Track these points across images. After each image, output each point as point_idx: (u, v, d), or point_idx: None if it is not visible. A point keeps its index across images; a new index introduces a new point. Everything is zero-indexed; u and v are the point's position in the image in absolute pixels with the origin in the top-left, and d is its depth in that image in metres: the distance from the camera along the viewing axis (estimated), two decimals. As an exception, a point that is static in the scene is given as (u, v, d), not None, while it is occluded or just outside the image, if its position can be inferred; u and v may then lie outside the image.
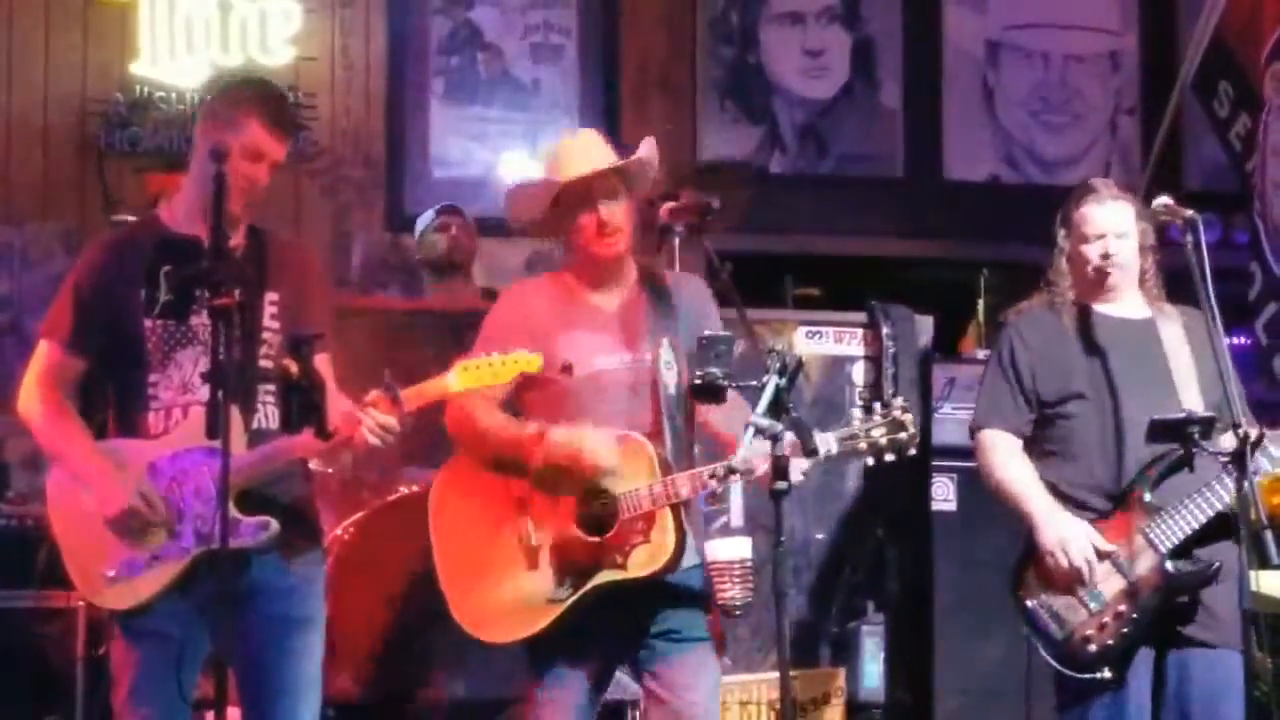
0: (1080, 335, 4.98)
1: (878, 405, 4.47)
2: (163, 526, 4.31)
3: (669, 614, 4.59)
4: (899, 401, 4.48)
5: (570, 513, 4.51)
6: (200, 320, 4.34)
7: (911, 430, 4.45)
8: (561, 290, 4.72)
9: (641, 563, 4.47)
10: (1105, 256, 4.93)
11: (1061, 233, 5.04)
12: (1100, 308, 5.00)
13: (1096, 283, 4.98)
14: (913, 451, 4.47)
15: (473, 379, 4.26)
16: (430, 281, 7.39)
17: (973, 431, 5.10)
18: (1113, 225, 4.96)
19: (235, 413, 4.21)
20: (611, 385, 4.60)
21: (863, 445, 4.43)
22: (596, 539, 4.49)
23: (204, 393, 4.24)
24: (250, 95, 4.50)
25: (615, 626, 4.56)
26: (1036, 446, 4.99)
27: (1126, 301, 5.03)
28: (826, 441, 4.40)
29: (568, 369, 4.56)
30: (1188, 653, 4.79)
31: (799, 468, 4.34)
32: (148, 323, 4.39)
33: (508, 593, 4.53)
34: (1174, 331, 4.94)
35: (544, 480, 4.49)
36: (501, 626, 4.55)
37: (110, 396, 4.51)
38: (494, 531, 4.56)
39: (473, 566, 4.56)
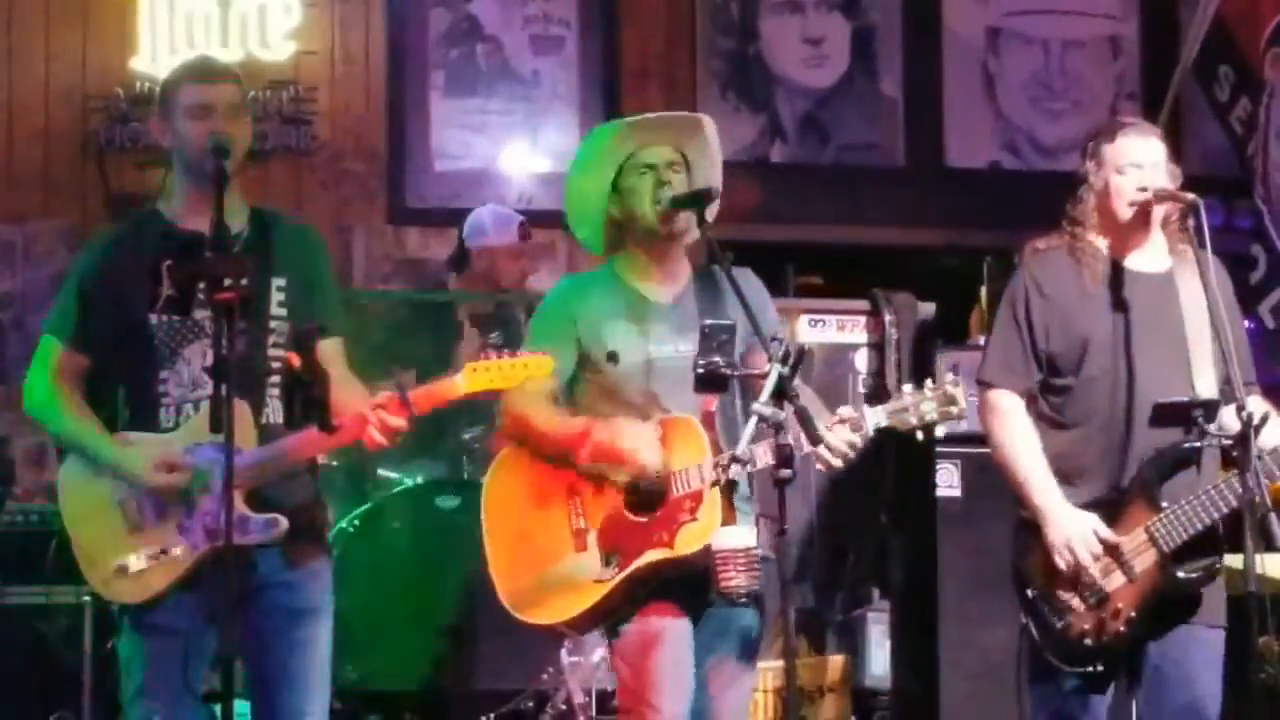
0: (1100, 292, 4.82)
1: (929, 381, 4.48)
2: (189, 500, 4.31)
3: (720, 602, 4.56)
4: (950, 376, 4.51)
5: (618, 493, 4.53)
6: (206, 314, 4.34)
7: (962, 404, 4.44)
8: (612, 282, 4.74)
9: (688, 541, 4.47)
10: (1143, 189, 4.75)
11: (1090, 166, 4.86)
12: (1125, 259, 4.84)
13: (1130, 220, 4.80)
14: (963, 425, 4.50)
15: (482, 381, 4.28)
16: (467, 282, 7.39)
17: (980, 383, 4.93)
18: (1149, 157, 4.80)
19: (245, 408, 4.23)
20: (665, 374, 4.61)
21: (912, 419, 4.43)
22: (644, 519, 4.50)
23: (212, 387, 4.27)
24: (176, 73, 4.55)
25: (672, 602, 4.55)
26: (1038, 409, 4.86)
27: (1150, 248, 4.86)
28: (875, 415, 4.44)
29: (613, 357, 4.61)
30: (1168, 634, 4.76)
31: (842, 436, 4.36)
32: (154, 318, 4.39)
33: (555, 575, 4.54)
34: (1193, 286, 4.76)
35: (591, 475, 4.54)
36: (546, 608, 4.56)
37: (121, 393, 4.51)
38: (545, 517, 4.58)
39: (522, 553, 4.58)
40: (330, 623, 4.53)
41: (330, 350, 4.44)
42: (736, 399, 4.65)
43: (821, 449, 4.34)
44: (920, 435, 4.47)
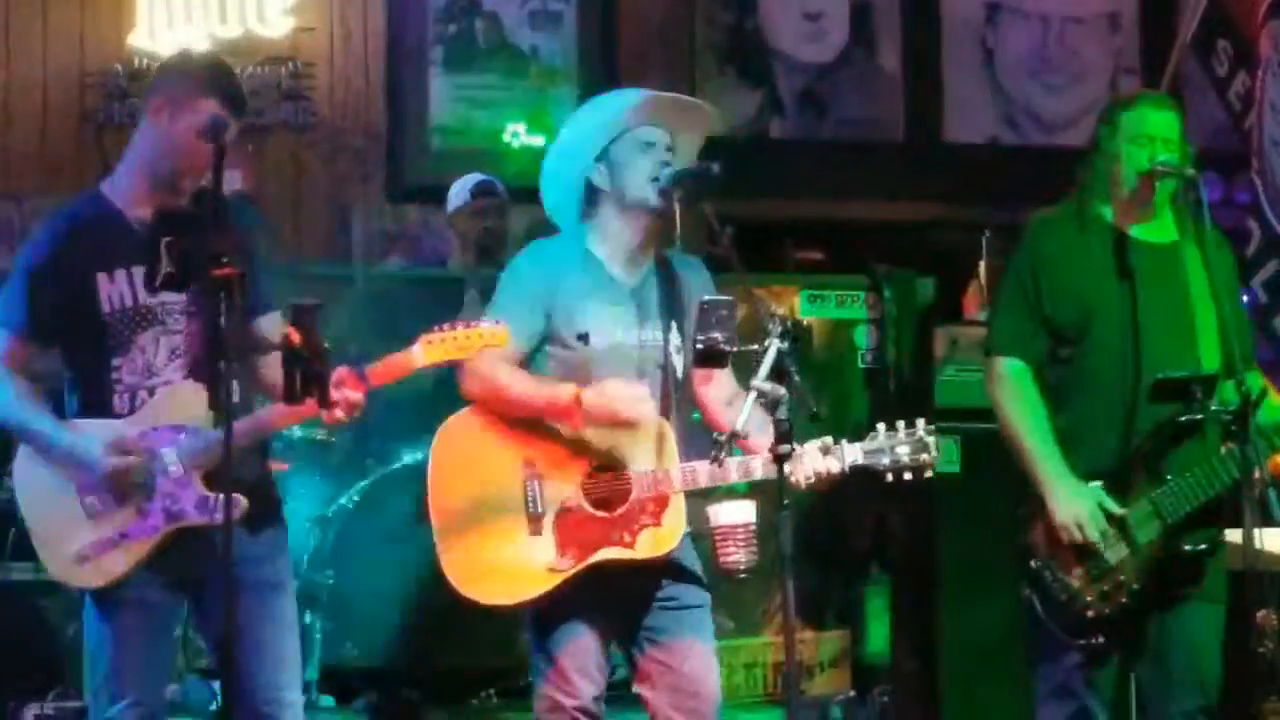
0: (1106, 261, 4.82)
1: (901, 424, 4.46)
2: (147, 483, 4.29)
3: (667, 584, 4.59)
4: (922, 423, 4.46)
5: (579, 484, 4.50)
6: (158, 300, 4.31)
7: (934, 454, 4.43)
8: (584, 257, 4.64)
9: (648, 545, 4.45)
10: (1154, 160, 4.74)
11: (1103, 132, 4.87)
12: (1131, 229, 4.84)
13: (1136, 190, 4.81)
14: (929, 474, 4.47)
15: (438, 353, 4.26)
16: (457, 256, 7.39)
17: (988, 352, 4.95)
18: (1164, 131, 4.81)
19: (202, 389, 4.15)
20: (627, 361, 4.56)
21: (886, 460, 4.42)
22: (604, 515, 4.47)
23: (169, 374, 4.33)
24: (206, 79, 4.40)
25: (616, 598, 4.55)
26: (1044, 379, 4.85)
27: (1157, 220, 4.86)
28: (853, 452, 4.42)
29: (584, 338, 4.55)
30: (1169, 608, 4.77)
31: (813, 464, 4.37)
32: (106, 306, 4.33)
33: (506, 555, 4.48)
34: (1198, 259, 4.75)
35: (585, 444, 4.48)
36: (493, 588, 4.50)
37: (73, 381, 4.45)
38: (497, 491, 4.51)
39: (471, 523, 4.51)
40: (294, 595, 4.54)
41: (270, 325, 4.41)
42: (683, 398, 4.64)
43: (797, 472, 4.33)
44: (890, 478, 4.45)
